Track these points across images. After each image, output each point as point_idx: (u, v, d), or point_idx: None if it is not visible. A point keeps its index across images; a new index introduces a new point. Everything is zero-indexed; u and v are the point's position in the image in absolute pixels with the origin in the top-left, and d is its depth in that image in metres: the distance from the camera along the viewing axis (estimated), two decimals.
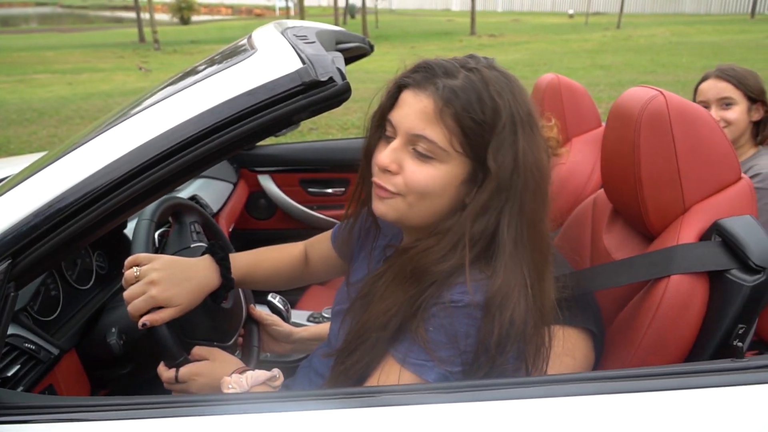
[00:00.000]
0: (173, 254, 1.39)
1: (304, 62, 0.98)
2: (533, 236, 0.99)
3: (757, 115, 2.07)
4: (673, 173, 1.23)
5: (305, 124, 7.28)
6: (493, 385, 0.93)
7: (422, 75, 0.98)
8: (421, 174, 0.97)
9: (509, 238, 0.96)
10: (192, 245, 1.43)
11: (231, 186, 2.61)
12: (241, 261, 1.34)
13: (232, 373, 1.15)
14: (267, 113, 0.96)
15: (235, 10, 52.77)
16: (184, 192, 2.26)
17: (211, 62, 1.18)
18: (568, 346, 1.21)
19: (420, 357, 0.94)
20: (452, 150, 0.96)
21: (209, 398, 0.98)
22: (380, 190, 1.01)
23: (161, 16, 34.92)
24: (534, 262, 0.99)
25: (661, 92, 1.25)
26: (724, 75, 2.08)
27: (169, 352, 1.17)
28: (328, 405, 0.91)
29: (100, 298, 1.52)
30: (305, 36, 1.21)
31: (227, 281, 1.27)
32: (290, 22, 1.40)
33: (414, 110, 0.97)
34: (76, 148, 0.99)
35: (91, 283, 1.55)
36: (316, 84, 0.95)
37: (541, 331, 1.01)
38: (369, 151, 1.06)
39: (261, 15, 44.90)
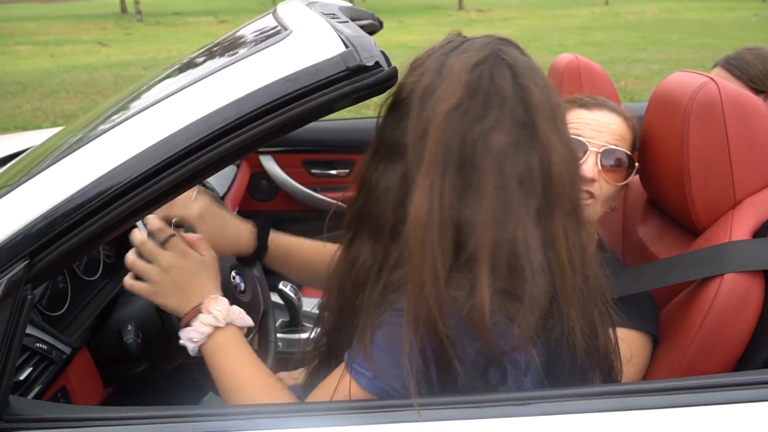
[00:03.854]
0: None
1: (347, 45, 0.90)
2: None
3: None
4: (724, 165, 1.17)
5: None
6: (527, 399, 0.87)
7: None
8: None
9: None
10: None
11: (235, 168, 2.51)
12: (284, 237, 1.30)
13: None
14: (307, 101, 0.88)
15: None
16: None
17: (235, 43, 1.10)
18: (631, 352, 1.15)
19: (363, 365, 0.87)
20: None
21: (232, 412, 0.91)
22: None
23: None
24: None
25: (711, 79, 1.18)
26: (728, 64, 1.98)
27: (184, 349, 1.10)
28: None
29: (110, 289, 1.44)
30: (334, 14, 1.13)
31: (261, 243, 1.25)
32: None
33: None
34: (96, 138, 0.91)
35: (99, 273, 1.46)
36: (361, 69, 0.87)
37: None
38: None
39: None
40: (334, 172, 2.73)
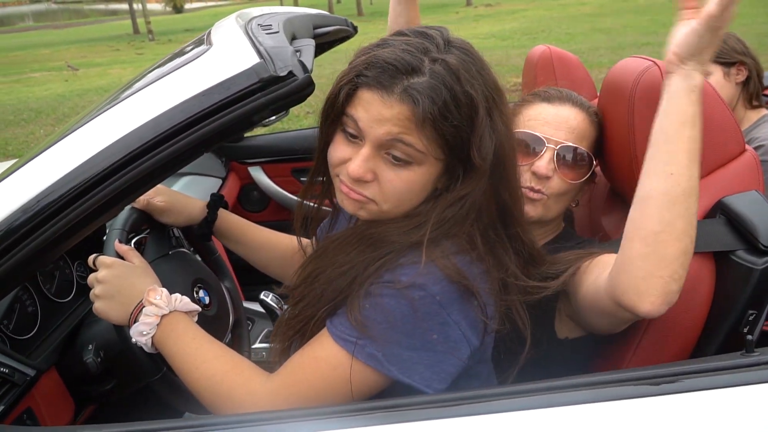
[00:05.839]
0: (150, 263, 1.33)
1: (261, 57, 0.90)
2: (516, 206, 0.99)
3: (740, 77, 2.00)
4: None
5: (302, 108, 7.19)
6: (474, 397, 0.86)
7: (384, 75, 0.87)
8: (399, 181, 0.91)
9: (491, 215, 0.96)
10: (170, 252, 1.37)
11: (219, 181, 2.53)
12: (237, 217, 1.44)
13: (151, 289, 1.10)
14: (224, 114, 0.88)
15: None
16: None
17: (167, 61, 1.11)
18: None
19: (352, 334, 0.90)
20: (430, 154, 0.90)
21: (210, 423, 0.91)
22: (352, 193, 0.94)
23: (155, 6, 34.72)
24: (509, 237, 0.99)
25: (655, 63, 1.16)
26: None
27: (144, 368, 1.11)
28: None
29: (82, 310, 1.46)
30: (269, 26, 1.13)
31: (211, 212, 1.39)
32: (258, 11, 1.31)
33: (384, 116, 0.87)
34: (24, 165, 0.93)
35: (72, 294, 1.48)
36: (274, 80, 0.87)
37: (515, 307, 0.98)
38: (325, 146, 0.98)
39: None
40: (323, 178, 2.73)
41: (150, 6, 26.31)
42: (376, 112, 0.87)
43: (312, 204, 1.14)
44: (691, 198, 0.92)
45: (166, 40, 20.92)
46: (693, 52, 0.93)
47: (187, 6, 37.87)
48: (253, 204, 2.78)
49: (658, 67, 1.15)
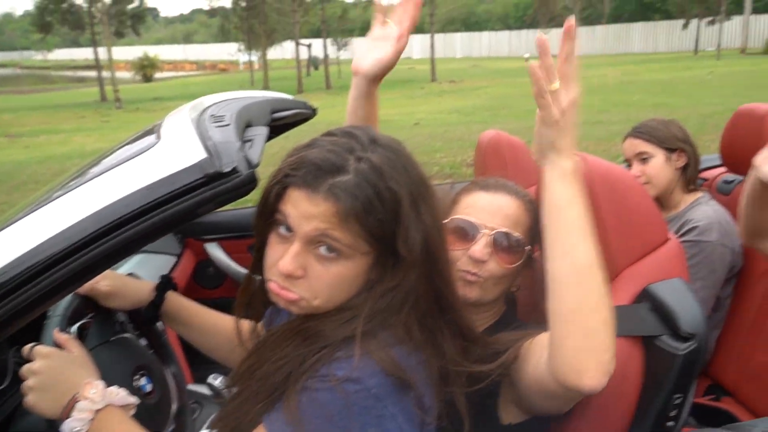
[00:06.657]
0: (91, 350, 1.30)
1: (208, 152, 0.94)
2: (450, 292, 1.01)
3: (680, 162, 2.13)
4: (600, 239, 1.21)
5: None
6: None
7: (310, 175, 0.92)
8: (328, 276, 0.95)
9: (428, 302, 0.98)
10: (112, 338, 1.35)
11: (174, 258, 2.53)
12: (186, 300, 1.42)
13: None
14: (167, 208, 0.91)
15: (200, 65, 53.08)
16: (119, 271, 2.18)
17: (115, 153, 1.14)
18: None
19: (288, 430, 0.90)
20: (357, 249, 0.94)
21: None
22: (283, 292, 0.96)
23: (124, 74, 34.97)
24: (447, 322, 1.01)
25: (581, 156, 1.24)
26: (636, 132, 2.19)
27: None
28: None
29: (17, 398, 1.42)
30: (221, 117, 1.17)
31: (158, 294, 1.37)
32: (214, 98, 1.35)
33: (311, 213, 0.91)
34: None
35: (7, 382, 1.44)
36: (218, 175, 0.91)
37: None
38: (262, 246, 1.01)
39: (225, 70, 45.22)
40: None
41: (119, 74, 26.48)
42: (303, 209, 0.92)
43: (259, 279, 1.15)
44: (593, 270, 1.00)
45: (134, 108, 21.01)
46: (547, 144, 1.05)
47: (157, 75, 38.22)
48: (209, 280, 2.78)
49: (585, 160, 1.22)
